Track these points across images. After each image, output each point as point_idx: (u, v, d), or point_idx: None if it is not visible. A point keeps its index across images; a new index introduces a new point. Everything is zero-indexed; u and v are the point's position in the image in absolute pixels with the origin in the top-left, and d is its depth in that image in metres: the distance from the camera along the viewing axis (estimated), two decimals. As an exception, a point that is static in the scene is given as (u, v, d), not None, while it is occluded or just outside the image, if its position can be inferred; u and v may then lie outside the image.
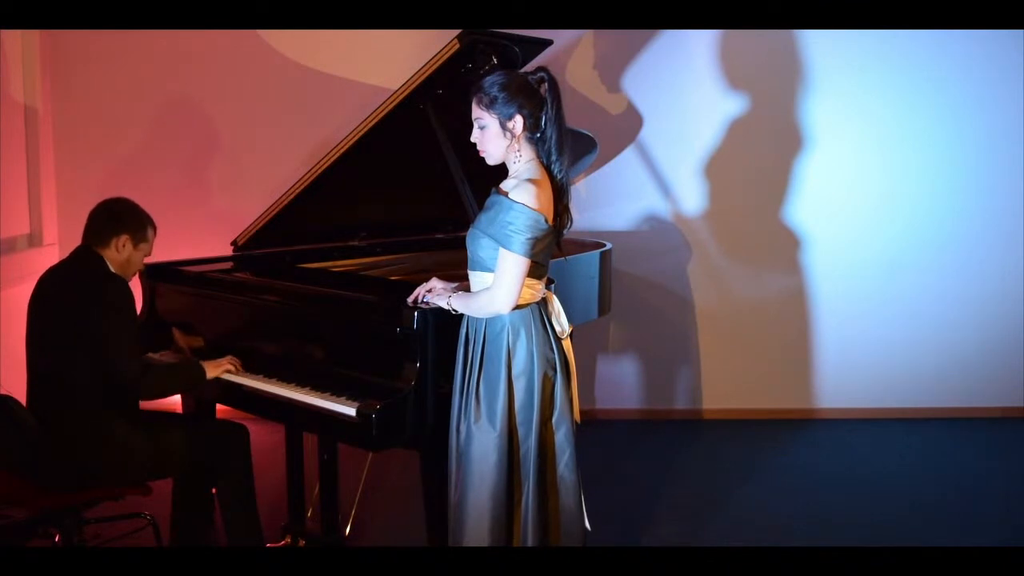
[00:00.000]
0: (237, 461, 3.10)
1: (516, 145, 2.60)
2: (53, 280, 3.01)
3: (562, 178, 2.62)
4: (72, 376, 2.86)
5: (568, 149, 2.63)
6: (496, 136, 2.59)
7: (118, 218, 3.01)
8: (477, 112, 2.61)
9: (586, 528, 2.72)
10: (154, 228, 3.10)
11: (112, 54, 4.94)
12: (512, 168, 2.64)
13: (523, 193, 2.52)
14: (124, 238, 2.99)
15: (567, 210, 2.66)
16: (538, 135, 2.60)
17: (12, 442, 2.85)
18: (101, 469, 2.87)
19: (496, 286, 2.54)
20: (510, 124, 2.57)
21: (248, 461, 3.14)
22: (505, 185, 2.60)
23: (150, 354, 3.31)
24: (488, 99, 2.57)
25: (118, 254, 2.99)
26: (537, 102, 2.58)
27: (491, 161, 2.65)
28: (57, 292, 2.97)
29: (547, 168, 2.61)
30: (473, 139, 2.64)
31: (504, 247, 2.52)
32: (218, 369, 3.03)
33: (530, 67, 2.74)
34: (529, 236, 2.51)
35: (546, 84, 2.60)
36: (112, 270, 2.97)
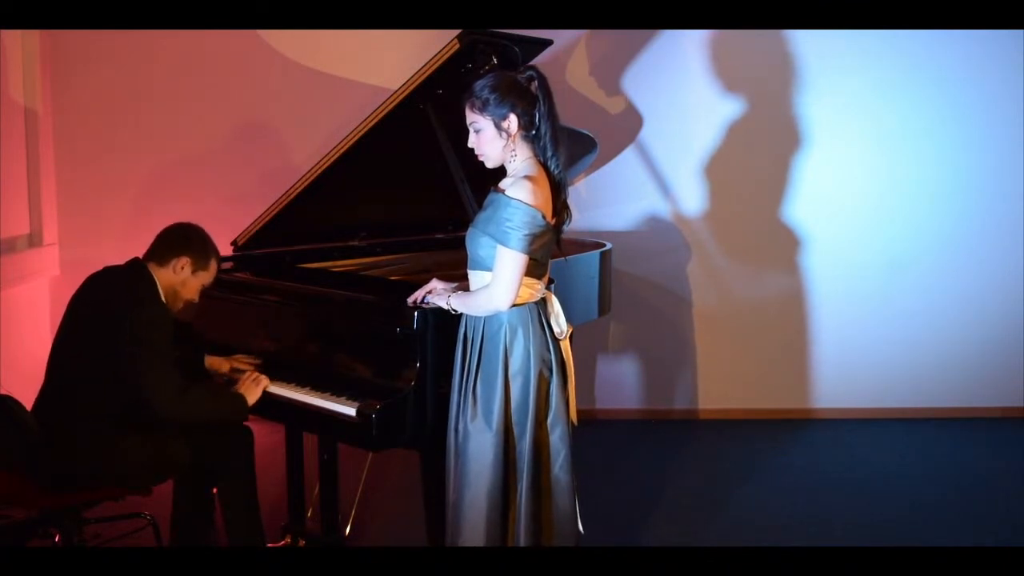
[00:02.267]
0: (239, 462, 3.09)
1: (512, 144, 2.60)
2: (94, 289, 2.96)
3: (559, 174, 2.62)
4: (88, 389, 2.85)
5: (564, 145, 2.64)
6: (492, 138, 2.60)
7: (186, 239, 2.99)
8: (471, 116, 2.62)
9: (579, 531, 2.72)
10: (218, 262, 3.07)
11: (112, 54, 4.93)
12: (509, 167, 2.64)
13: (520, 190, 2.53)
14: (185, 260, 2.96)
15: (566, 206, 2.67)
16: (533, 133, 2.61)
17: (12, 442, 2.84)
18: (102, 471, 2.87)
19: (495, 283, 2.55)
20: (505, 124, 2.58)
21: (251, 463, 3.13)
22: (503, 183, 2.61)
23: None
24: (480, 102, 2.58)
25: (175, 275, 2.96)
26: (529, 100, 2.59)
27: (490, 164, 2.66)
28: (94, 304, 2.92)
29: (544, 165, 2.62)
30: (470, 144, 2.65)
31: (502, 244, 2.53)
32: (258, 391, 2.96)
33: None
34: (527, 232, 2.51)
35: (536, 82, 2.61)
36: (159, 292, 2.92)
